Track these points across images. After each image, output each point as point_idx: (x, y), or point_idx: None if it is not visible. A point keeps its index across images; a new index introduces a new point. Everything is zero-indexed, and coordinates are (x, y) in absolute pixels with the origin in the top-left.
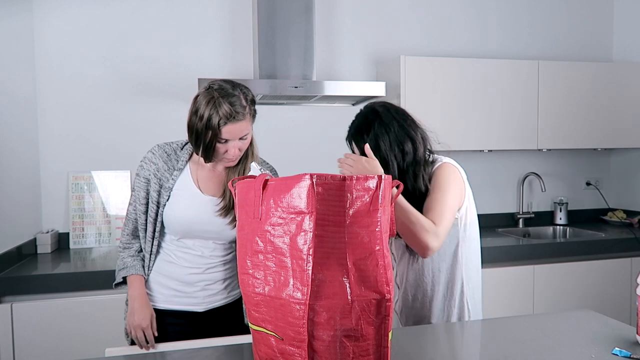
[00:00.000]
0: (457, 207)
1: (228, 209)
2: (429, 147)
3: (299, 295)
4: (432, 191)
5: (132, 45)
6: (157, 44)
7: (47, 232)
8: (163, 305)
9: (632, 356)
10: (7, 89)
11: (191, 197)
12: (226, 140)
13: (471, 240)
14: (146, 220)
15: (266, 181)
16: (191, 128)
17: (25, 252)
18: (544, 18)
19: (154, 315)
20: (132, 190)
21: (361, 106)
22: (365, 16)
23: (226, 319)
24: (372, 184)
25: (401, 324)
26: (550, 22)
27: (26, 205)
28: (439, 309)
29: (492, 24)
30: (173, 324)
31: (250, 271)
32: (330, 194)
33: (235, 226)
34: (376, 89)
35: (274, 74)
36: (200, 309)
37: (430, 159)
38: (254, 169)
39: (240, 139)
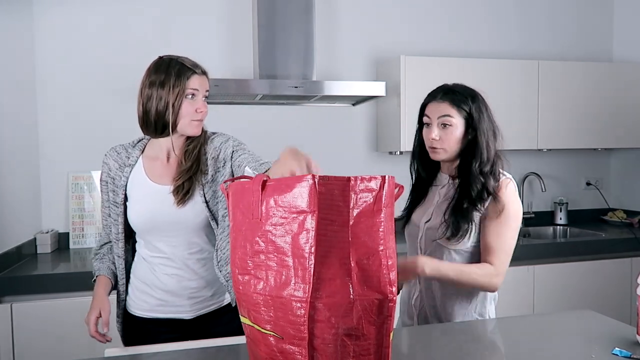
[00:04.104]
0: (516, 238)
1: (180, 191)
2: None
3: (300, 293)
4: (497, 218)
5: (132, 45)
6: (158, 44)
7: (47, 232)
8: (149, 314)
9: (632, 356)
10: (6, 88)
11: (146, 191)
12: (193, 95)
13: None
14: (110, 222)
15: (264, 182)
16: (148, 104)
17: (25, 252)
18: (544, 18)
19: (105, 308)
20: (101, 196)
21: (361, 106)
22: (365, 16)
23: (216, 324)
24: (375, 184)
25: (417, 321)
26: (550, 22)
27: (26, 205)
28: (460, 314)
29: (492, 24)
30: (161, 332)
31: (252, 271)
32: (333, 194)
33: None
34: (376, 89)
35: (274, 74)
36: (188, 316)
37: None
38: (248, 172)
39: (205, 98)
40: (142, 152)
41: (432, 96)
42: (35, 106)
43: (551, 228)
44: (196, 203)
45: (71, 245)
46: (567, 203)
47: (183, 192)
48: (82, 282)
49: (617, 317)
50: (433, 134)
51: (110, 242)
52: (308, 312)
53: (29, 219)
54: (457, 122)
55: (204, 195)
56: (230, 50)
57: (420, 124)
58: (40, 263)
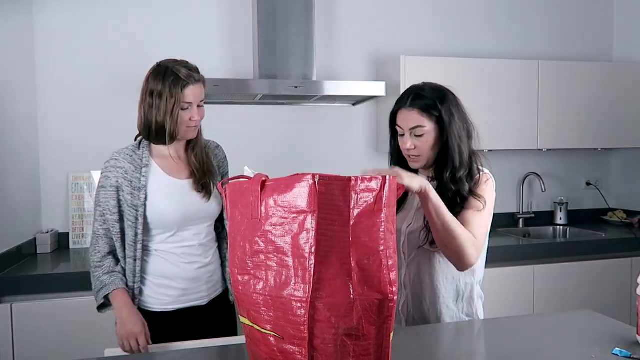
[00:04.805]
0: (488, 230)
1: (204, 187)
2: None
3: (300, 293)
4: (473, 203)
5: (132, 45)
6: (158, 44)
7: (47, 232)
8: (171, 306)
9: (632, 356)
10: (7, 88)
11: (171, 188)
12: (189, 106)
13: (485, 249)
14: (122, 227)
15: (264, 182)
16: (148, 113)
17: (25, 252)
18: (544, 18)
19: (145, 322)
20: (97, 205)
21: (361, 106)
22: (365, 16)
23: (227, 308)
24: (375, 184)
25: (406, 325)
26: (550, 22)
27: (26, 205)
28: (448, 316)
29: (492, 23)
30: (178, 324)
31: (252, 271)
32: (333, 194)
33: (209, 199)
34: (376, 89)
35: (274, 74)
36: (204, 302)
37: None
38: (247, 172)
39: (199, 106)
40: (150, 153)
41: (401, 103)
42: (35, 106)
43: (551, 228)
44: (217, 196)
45: (71, 245)
46: (567, 203)
47: (207, 189)
48: (82, 282)
49: (617, 317)
50: (407, 145)
51: (111, 253)
52: (308, 312)
53: (29, 219)
54: (430, 129)
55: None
56: (230, 50)
57: (393, 131)
58: (40, 263)
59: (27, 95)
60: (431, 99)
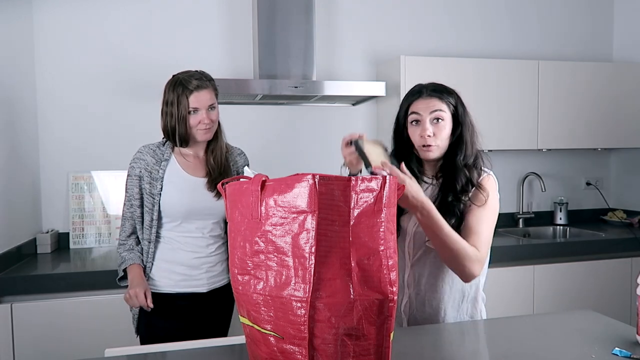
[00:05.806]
0: (492, 231)
1: (215, 183)
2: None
3: (300, 293)
4: (476, 207)
5: (132, 45)
6: (157, 44)
7: (47, 232)
8: (172, 289)
9: (632, 356)
10: (6, 88)
11: (183, 182)
12: (196, 110)
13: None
14: (142, 212)
15: (264, 182)
16: (165, 119)
17: (25, 252)
18: (544, 18)
19: (148, 286)
20: (126, 191)
21: (361, 106)
22: (365, 16)
23: (228, 297)
24: (375, 184)
25: (408, 326)
26: (550, 22)
27: (26, 205)
28: (452, 317)
29: (492, 24)
30: (180, 307)
31: (252, 271)
32: (334, 194)
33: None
34: (376, 89)
35: (274, 74)
36: (204, 289)
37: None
38: (247, 172)
39: (209, 109)
40: (172, 150)
41: (418, 93)
42: (35, 106)
43: (551, 228)
44: None
45: (71, 245)
46: (567, 203)
47: (214, 183)
48: (82, 282)
49: (617, 317)
50: (428, 131)
51: (134, 233)
52: (308, 312)
53: (29, 219)
54: (448, 117)
55: None
56: (230, 50)
57: (397, 126)
58: (40, 263)
59: (27, 95)
60: (446, 91)
